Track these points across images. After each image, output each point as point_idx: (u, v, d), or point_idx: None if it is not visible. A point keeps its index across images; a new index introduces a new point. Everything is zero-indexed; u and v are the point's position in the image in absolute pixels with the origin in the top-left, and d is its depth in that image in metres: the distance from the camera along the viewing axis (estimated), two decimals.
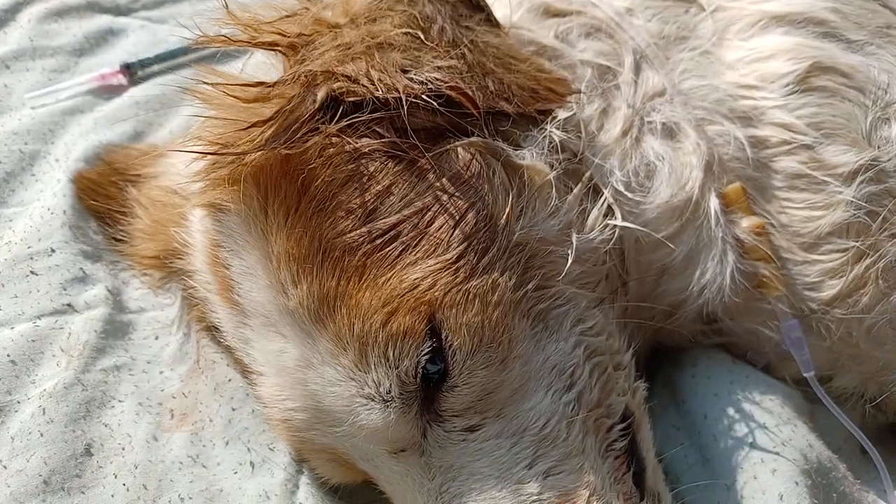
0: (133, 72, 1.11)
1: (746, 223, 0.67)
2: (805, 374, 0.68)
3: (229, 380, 0.73)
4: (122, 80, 1.11)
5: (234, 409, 0.71)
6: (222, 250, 0.62)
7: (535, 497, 0.54)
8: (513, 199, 0.57)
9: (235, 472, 0.67)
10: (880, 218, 0.64)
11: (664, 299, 0.70)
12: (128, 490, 0.64)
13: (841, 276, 0.66)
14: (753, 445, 0.65)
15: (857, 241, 0.65)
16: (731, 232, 0.67)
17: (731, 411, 0.67)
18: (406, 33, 0.58)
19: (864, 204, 0.64)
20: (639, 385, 0.64)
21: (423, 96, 0.54)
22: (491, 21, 0.67)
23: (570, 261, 0.58)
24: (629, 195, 0.65)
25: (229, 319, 0.64)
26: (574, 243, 0.59)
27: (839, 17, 0.70)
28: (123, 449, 0.67)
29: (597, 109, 0.68)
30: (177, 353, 0.77)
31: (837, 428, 0.72)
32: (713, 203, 0.66)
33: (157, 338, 0.79)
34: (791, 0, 0.70)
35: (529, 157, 0.60)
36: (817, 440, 0.67)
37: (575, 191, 0.62)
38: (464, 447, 0.55)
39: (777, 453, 0.64)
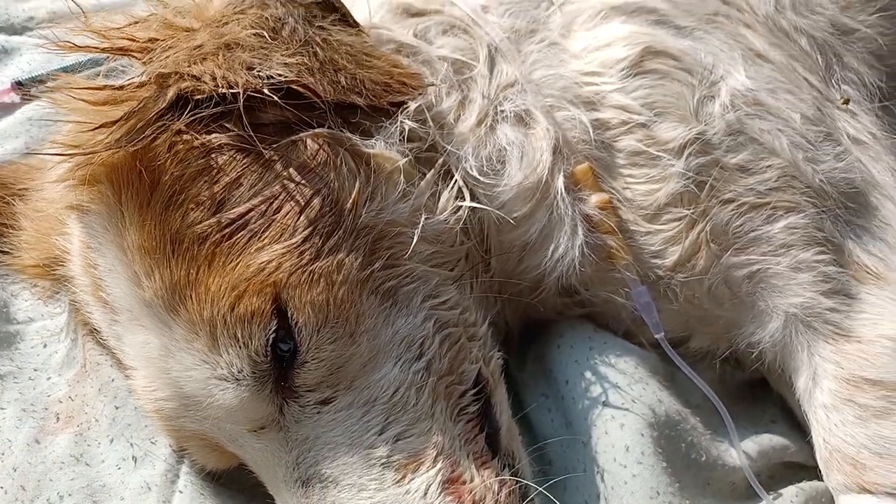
0: (25, 89, 1.12)
1: (594, 199, 0.72)
2: (655, 336, 0.74)
3: (112, 379, 0.75)
4: (14, 97, 1.11)
5: (117, 408, 0.73)
6: (90, 251, 0.64)
7: (384, 459, 0.57)
8: (360, 184, 0.60)
9: (119, 468, 0.69)
10: (707, 186, 0.70)
11: (527, 275, 0.75)
12: (6, 493, 0.65)
13: (679, 243, 0.71)
14: (606, 404, 0.69)
15: (689, 209, 0.70)
16: (580, 209, 0.72)
17: (588, 375, 0.72)
18: (255, 34, 0.62)
19: (693, 174, 0.70)
20: (493, 354, 0.68)
21: (265, 91, 0.57)
22: (347, 21, 0.70)
23: (414, 240, 0.61)
24: (483, 179, 0.70)
25: (103, 318, 0.66)
26: (421, 224, 0.62)
27: (670, 6, 0.76)
28: (3, 454, 0.68)
29: (455, 101, 0.72)
30: (65, 358, 0.78)
31: (696, 386, 0.78)
32: (560, 183, 0.71)
33: (45, 346, 0.80)
34: None
35: (379, 146, 0.63)
36: (669, 396, 0.72)
37: (427, 176, 0.66)
38: (318, 419, 0.59)
39: (627, 409, 0.69)
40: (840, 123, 0.76)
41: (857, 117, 0.79)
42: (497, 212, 0.70)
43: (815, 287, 0.70)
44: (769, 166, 0.71)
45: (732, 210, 0.70)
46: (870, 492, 0.65)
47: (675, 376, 0.78)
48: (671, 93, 0.72)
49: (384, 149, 0.63)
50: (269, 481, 0.61)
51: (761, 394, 0.82)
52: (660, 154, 0.71)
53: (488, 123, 0.72)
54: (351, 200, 0.60)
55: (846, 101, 0.79)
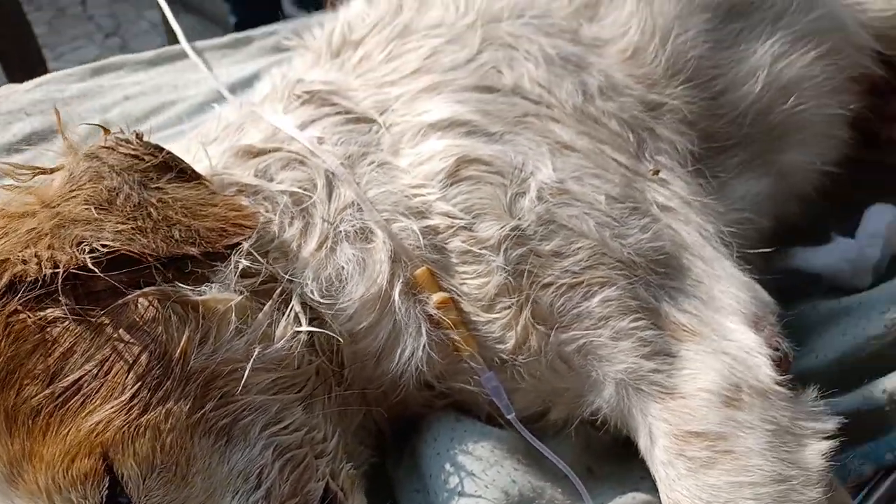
0: None
1: (435, 298, 0.78)
2: (507, 416, 0.79)
3: None
4: None
5: None
6: None
7: None
8: (189, 332, 0.66)
9: None
10: (526, 273, 0.77)
11: (384, 378, 0.80)
12: None
13: (513, 328, 0.77)
14: (462, 493, 0.74)
15: (514, 297, 0.77)
16: (422, 310, 0.78)
17: (447, 466, 0.77)
18: (88, 208, 0.68)
19: (513, 265, 0.77)
20: (343, 466, 0.73)
21: (88, 264, 0.63)
22: (184, 176, 0.77)
23: (245, 374, 0.67)
24: (325, 301, 0.76)
25: None
26: (254, 357, 0.68)
27: (480, 116, 0.84)
28: None
29: (297, 230, 0.79)
30: None
31: (565, 453, 0.83)
32: (399, 289, 0.77)
33: None
34: (441, 109, 0.84)
35: (211, 291, 0.69)
36: (524, 475, 0.76)
37: (265, 308, 0.72)
38: None
39: (479, 496, 0.73)
40: (650, 195, 0.84)
41: (669, 185, 0.87)
42: (341, 327, 0.76)
43: (636, 352, 0.76)
44: (580, 248, 0.77)
45: (553, 292, 0.77)
46: None
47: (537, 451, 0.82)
48: (486, 195, 0.79)
49: (216, 292, 0.69)
50: None
51: (628, 453, 0.86)
52: (482, 251, 0.77)
53: (328, 245, 0.78)
54: (179, 349, 0.65)
55: (656, 172, 0.87)
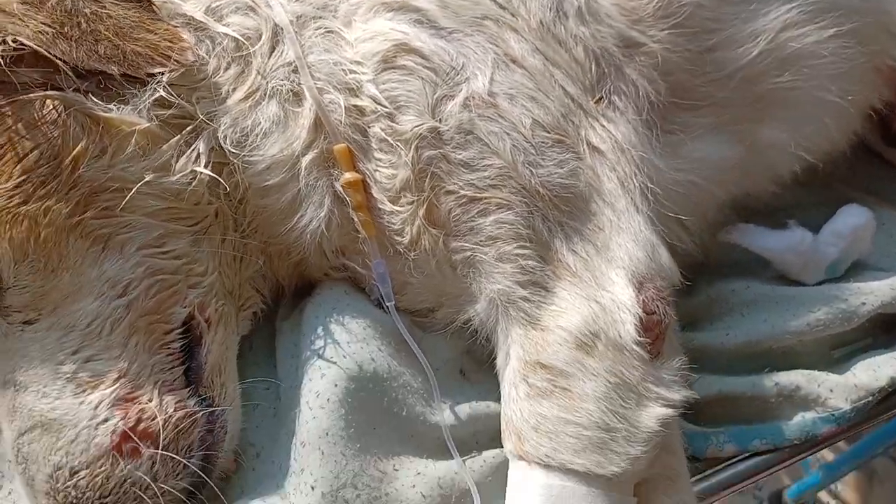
0: None
1: (347, 177, 0.80)
2: (386, 304, 0.83)
3: None
4: None
5: None
6: None
7: (69, 375, 0.69)
8: (87, 143, 0.70)
9: None
10: (430, 175, 0.78)
11: (285, 237, 0.84)
12: None
13: (412, 224, 0.80)
14: (321, 356, 0.79)
15: (416, 196, 0.78)
16: (330, 184, 0.81)
17: (319, 330, 0.82)
18: (22, 2, 0.71)
19: (422, 165, 0.78)
20: (216, 301, 0.79)
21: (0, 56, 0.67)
22: None
23: (128, 196, 0.71)
24: (235, 150, 0.79)
25: None
26: (145, 181, 0.72)
27: (437, 7, 0.82)
28: None
29: (230, 75, 0.80)
30: None
31: (443, 350, 0.88)
32: (311, 158, 0.80)
33: None
34: None
35: (121, 112, 0.73)
36: (385, 357, 0.81)
37: (171, 141, 0.76)
38: (21, 336, 0.70)
39: (334, 363, 0.78)
40: (583, 132, 0.82)
41: (612, 124, 0.84)
42: (248, 179, 0.80)
43: (514, 277, 0.78)
44: (489, 165, 0.78)
45: (453, 201, 0.78)
46: (524, 460, 0.75)
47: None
48: (414, 89, 0.79)
49: (125, 114, 0.73)
50: None
51: None
52: (397, 143, 0.78)
53: (256, 98, 0.80)
54: (71, 156, 0.70)
55: (599, 100, 0.85)
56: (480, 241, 0.78)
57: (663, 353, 0.79)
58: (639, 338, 0.75)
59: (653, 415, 0.75)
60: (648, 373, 0.76)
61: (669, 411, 0.76)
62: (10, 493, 0.75)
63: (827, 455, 1.83)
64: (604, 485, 0.73)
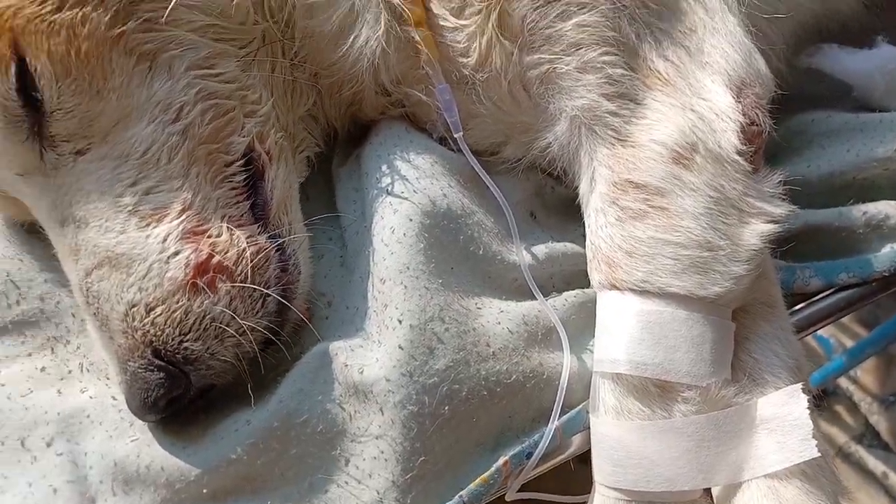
0: None
1: None
2: (455, 135, 0.76)
3: None
4: None
5: None
6: None
7: (130, 207, 0.63)
8: None
9: None
10: None
11: (338, 68, 0.77)
12: None
13: (478, 39, 0.72)
14: (390, 192, 0.73)
15: (485, 2, 0.70)
16: None
17: (384, 168, 0.76)
18: None
19: None
20: (274, 133, 0.72)
21: None
22: None
23: (170, 6, 0.63)
24: None
25: None
26: None
27: None
28: None
29: None
30: None
31: (512, 192, 0.81)
32: None
33: None
34: None
35: None
36: (458, 193, 0.75)
37: None
38: (73, 167, 0.64)
39: (405, 198, 0.72)
40: None
41: None
42: None
43: (600, 89, 0.70)
44: None
45: (527, 4, 0.70)
46: (617, 288, 0.69)
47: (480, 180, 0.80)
48: None
49: None
50: (41, 221, 0.68)
51: (575, 210, 0.84)
52: None
53: None
54: None
55: None
56: (560, 49, 0.70)
57: (762, 166, 0.72)
58: (740, 147, 0.68)
59: (756, 231, 0.69)
60: (750, 186, 0.69)
61: (773, 227, 0.70)
62: (78, 347, 0.71)
63: (847, 341, 1.84)
64: (704, 308, 0.68)
